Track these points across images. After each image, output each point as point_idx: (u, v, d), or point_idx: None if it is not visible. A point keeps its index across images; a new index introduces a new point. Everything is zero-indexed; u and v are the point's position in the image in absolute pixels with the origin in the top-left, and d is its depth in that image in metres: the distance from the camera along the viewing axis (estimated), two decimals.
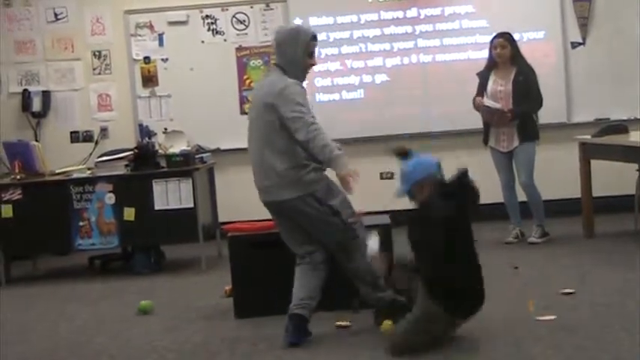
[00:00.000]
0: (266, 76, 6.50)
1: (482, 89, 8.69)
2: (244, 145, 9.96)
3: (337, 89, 10.32)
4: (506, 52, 8.54)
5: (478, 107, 8.66)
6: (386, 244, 6.85)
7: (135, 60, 10.36)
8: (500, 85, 8.55)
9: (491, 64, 8.70)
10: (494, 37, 8.71)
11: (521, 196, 8.91)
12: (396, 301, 6.15)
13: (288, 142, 6.01)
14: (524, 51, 9.59)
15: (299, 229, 6.19)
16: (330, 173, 6.22)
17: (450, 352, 5.47)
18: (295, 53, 6.09)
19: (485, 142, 8.81)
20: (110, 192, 8.80)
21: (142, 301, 7.26)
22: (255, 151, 6.29)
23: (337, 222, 6.17)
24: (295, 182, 6.06)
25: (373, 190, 9.90)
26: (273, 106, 5.96)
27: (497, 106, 8.46)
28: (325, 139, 5.97)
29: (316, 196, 6.12)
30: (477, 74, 8.82)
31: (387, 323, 6.02)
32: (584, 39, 10.09)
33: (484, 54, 8.85)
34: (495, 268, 7.08)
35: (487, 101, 8.52)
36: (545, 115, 9.64)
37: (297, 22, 10.15)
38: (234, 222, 7.54)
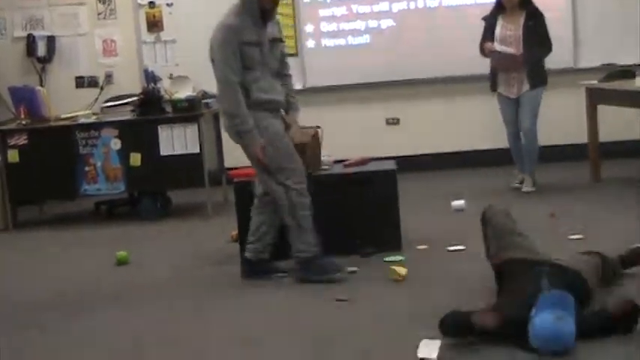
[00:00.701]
0: None
1: (489, 34, 8.57)
2: None
3: (343, 34, 10.27)
4: None
5: (488, 53, 8.55)
6: (390, 191, 6.91)
7: (140, 5, 10.32)
8: (509, 30, 8.44)
9: (499, 9, 8.57)
10: None
11: None
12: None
13: None
14: None
15: None
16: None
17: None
18: None
19: (494, 88, 8.69)
20: (116, 137, 8.81)
21: (120, 252, 7.26)
22: None
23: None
24: None
25: (379, 136, 9.93)
26: (211, 50, 6.19)
27: (510, 51, 8.37)
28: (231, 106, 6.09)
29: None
30: (483, 19, 8.72)
31: (394, 269, 6.05)
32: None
33: None
34: None
35: (498, 47, 8.42)
36: (552, 61, 9.58)
37: None
38: (240, 168, 7.53)
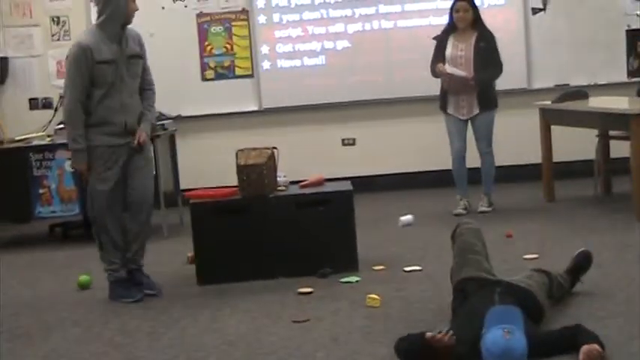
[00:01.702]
0: None
1: (440, 54, 8.54)
2: (206, 111, 10.08)
3: (298, 55, 10.30)
4: (468, 16, 8.38)
5: (440, 74, 8.53)
6: (347, 212, 6.93)
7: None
8: (460, 50, 8.42)
9: (450, 28, 8.56)
10: (456, 1, 8.50)
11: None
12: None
13: None
14: (485, 16, 9.63)
15: None
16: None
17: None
18: None
19: (444, 108, 8.62)
20: (70, 159, 8.76)
21: (82, 275, 7.22)
22: None
23: None
24: None
25: (335, 156, 9.96)
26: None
27: (462, 74, 8.34)
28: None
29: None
30: (434, 38, 8.68)
31: (372, 297, 6.04)
32: (544, 5, 10.12)
33: (446, 20, 8.74)
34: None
35: (450, 69, 8.39)
36: (506, 81, 9.68)
37: None
38: (196, 189, 7.53)
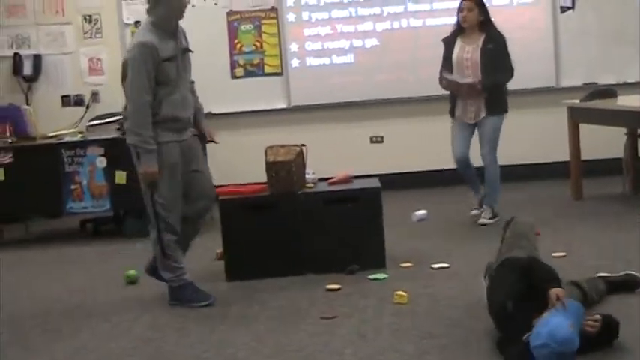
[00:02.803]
0: None
1: (447, 59, 8.19)
2: (235, 109, 10.08)
3: (327, 53, 10.30)
4: (472, 16, 8.01)
5: (446, 85, 8.22)
6: (375, 209, 6.92)
7: (126, 24, 10.32)
8: (467, 53, 8.09)
9: (458, 30, 8.22)
10: (462, 0, 8.15)
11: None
12: None
13: None
14: (513, 15, 9.67)
15: None
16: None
17: None
18: None
19: (452, 113, 8.31)
20: (101, 155, 8.81)
21: (128, 270, 7.21)
22: None
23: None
24: None
25: (363, 154, 9.94)
26: (124, 64, 6.18)
27: (467, 80, 8.01)
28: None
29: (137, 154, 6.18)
30: (443, 40, 8.34)
31: (400, 294, 6.03)
32: (573, 3, 10.07)
33: None
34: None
35: (453, 77, 8.09)
36: (534, 80, 9.70)
37: None
38: (226, 185, 7.53)
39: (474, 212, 8.35)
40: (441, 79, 8.18)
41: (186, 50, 6.31)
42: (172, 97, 6.08)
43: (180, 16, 6.21)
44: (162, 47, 5.99)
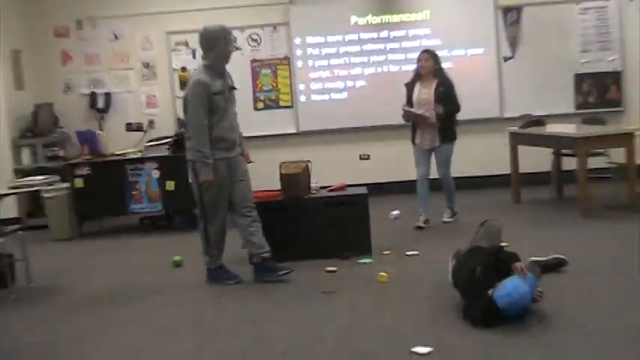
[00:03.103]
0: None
1: (409, 98, 8.04)
2: (257, 133, 10.07)
3: (327, 91, 10.30)
4: (429, 64, 7.93)
5: (405, 116, 8.03)
6: (363, 210, 6.92)
7: (174, 69, 10.33)
8: (424, 94, 7.94)
9: (417, 77, 8.08)
10: (421, 53, 8.10)
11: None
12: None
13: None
14: (468, 63, 9.69)
15: None
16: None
17: None
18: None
19: (412, 140, 8.16)
20: (156, 169, 8.86)
21: (175, 256, 7.24)
22: None
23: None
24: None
25: (354, 168, 9.95)
26: (184, 97, 6.16)
27: (420, 112, 7.87)
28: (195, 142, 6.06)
29: (194, 167, 6.12)
30: (405, 85, 8.20)
31: (382, 274, 6.04)
32: (513, 54, 10.08)
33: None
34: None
35: (410, 108, 7.93)
36: (484, 112, 9.75)
37: (297, 41, 10.15)
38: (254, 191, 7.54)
39: (420, 224, 7.98)
40: (403, 114, 8.04)
41: (232, 88, 6.32)
42: (222, 123, 6.08)
43: (227, 61, 6.24)
44: (213, 84, 6.01)
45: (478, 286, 4.87)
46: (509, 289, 4.72)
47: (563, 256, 5.90)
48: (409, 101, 8.01)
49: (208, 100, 5.99)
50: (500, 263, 5.03)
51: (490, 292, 4.76)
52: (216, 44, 6.09)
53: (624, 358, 4.07)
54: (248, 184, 6.43)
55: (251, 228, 6.30)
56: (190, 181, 6.34)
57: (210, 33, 6.13)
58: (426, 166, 8.07)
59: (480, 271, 4.98)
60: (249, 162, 6.58)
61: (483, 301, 4.75)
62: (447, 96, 7.89)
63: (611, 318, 4.75)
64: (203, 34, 6.16)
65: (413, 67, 8.33)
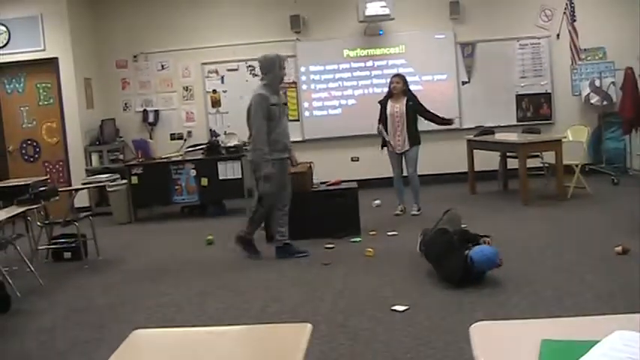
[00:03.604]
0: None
1: (382, 114, 7.98)
2: None
3: (325, 108, 10.30)
4: (400, 86, 7.84)
5: (380, 132, 7.98)
6: (354, 200, 6.95)
7: (207, 92, 10.35)
8: (396, 108, 7.86)
9: (389, 95, 8.00)
10: (392, 77, 8.05)
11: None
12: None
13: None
14: (434, 86, 9.71)
15: None
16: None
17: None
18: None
19: (382, 147, 8.04)
20: (193, 169, 8.86)
21: (208, 236, 7.27)
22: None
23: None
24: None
25: (346, 168, 9.97)
26: (249, 108, 6.05)
27: (387, 138, 7.84)
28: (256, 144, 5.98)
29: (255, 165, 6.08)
30: (379, 102, 8.14)
31: (369, 250, 6.07)
32: (469, 79, 10.12)
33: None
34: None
35: (384, 134, 7.89)
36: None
37: (302, 69, 10.18)
38: None
39: (397, 212, 8.00)
40: (378, 129, 7.99)
41: (284, 104, 6.30)
42: (277, 129, 6.04)
43: (281, 81, 6.25)
44: (270, 97, 5.99)
45: (456, 250, 4.95)
46: (482, 248, 4.86)
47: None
48: (383, 114, 7.96)
49: (267, 110, 5.94)
50: (468, 240, 5.12)
51: (466, 252, 4.85)
52: (273, 68, 6.06)
53: (552, 312, 4.14)
54: (290, 185, 6.33)
55: (281, 220, 6.27)
56: (254, 177, 6.23)
57: (268, 59, 6.12)
58: (399, 167, 8.02)
59: (457, 239, 5.07)
60: (295, 165, 6.49)
61: (461, 259, 4.82)
62: (419, 107, 7.85)
63: (543, 281, 4.82)
64: (263, 59, 6.15)
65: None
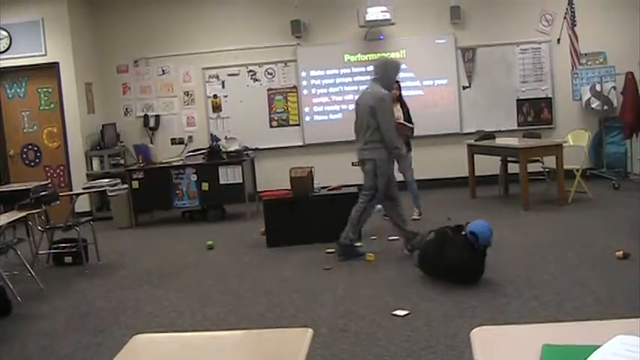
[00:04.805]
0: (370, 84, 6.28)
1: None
2: (272, 145, 10.10)
3: (327, 113, 10.31)
4: (397, 92, 7.82)
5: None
6: (353, 205, 6.94)
7: (208, 96, 10.36)
8: (398, 112, 7.76)
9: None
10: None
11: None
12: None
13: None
14: (436, 90, 9.70)
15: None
16: None
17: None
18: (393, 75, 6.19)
19: None
20: (194, 173, 8.85)
21: (208, 241, 7.27)
22: (359, 127, 6.23)
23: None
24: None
25: (347, 173, 9.94)
26: (373, 107, 5.95)
27: (411, 125, 7.81)
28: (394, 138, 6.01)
29: (377, 164, 6.06)
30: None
31: (370, 255, 6.06)
32: (469, 84, 10.13)
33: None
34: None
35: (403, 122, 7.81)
36: (447, 128, 9.77)
37: (303, 74, 10.19)
38: (266, 190, 7.59)
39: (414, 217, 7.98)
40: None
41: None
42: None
43: (392, 86, 6.35)
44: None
45: (452, 236, 5.13)
46: (474, 223, 5.06)
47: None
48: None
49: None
50: (458, 228, 5.29)
51: (462, 233, 5.08)
52: (391, 72, 6.16)
53: (553, 317, 4.14)
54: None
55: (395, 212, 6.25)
56: (372, 175, 6.19)
57: (388, 63, 6.31)
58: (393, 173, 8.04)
59: (449, 229, 5.27)
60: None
61: (460, 241, 5.04)
62: (408, 114, 7.91)
63: (544, 286, 4.82)
64: (383, 63, 6.33)
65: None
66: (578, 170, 8.21)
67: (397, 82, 8.12)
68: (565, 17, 9.49)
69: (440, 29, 10.06)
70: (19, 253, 5.94)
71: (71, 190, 9.10)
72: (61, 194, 7.12)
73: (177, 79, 10.39)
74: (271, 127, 10.33)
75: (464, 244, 4.92)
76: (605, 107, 9.66)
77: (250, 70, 10.22)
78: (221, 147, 9.10)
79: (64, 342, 4.46)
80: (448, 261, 5.01)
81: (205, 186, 8.81)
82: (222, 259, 6.61)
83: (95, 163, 9.74)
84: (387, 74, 6.10)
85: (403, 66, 10.05)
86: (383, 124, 5.93)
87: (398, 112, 7.97)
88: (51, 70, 9.56)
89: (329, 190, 7.24)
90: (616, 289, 4.62)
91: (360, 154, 6.19)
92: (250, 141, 9.77)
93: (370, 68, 10.19)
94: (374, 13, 9.61)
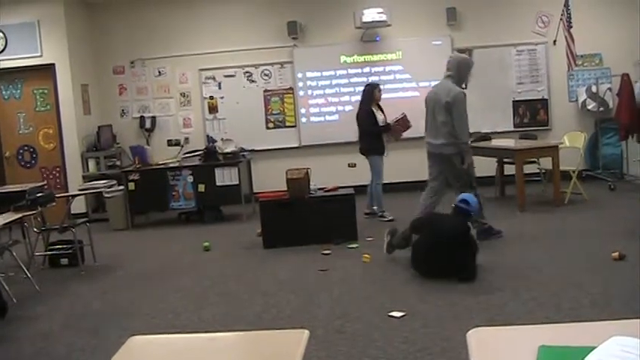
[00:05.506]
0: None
1: (374, 120, 8.18)
2: (268, 147, 10.10)
3: (323, 114, 10.32)
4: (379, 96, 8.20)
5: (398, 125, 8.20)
6: (351, 206, 6.95)
7: (204, 98, 10.35)
8: (380, 117, 8.15)
9: (370, 103, 8.23)
10: (377, 86, 8.30)
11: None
12: None
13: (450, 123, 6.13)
14: None
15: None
16: None
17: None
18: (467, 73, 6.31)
19: (382, 152, 8.24)
20: (190, 174, 8.84)
21: (205, 242, 7.26)
22: (431, 121, 6.36)
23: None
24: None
25: (343, 174, 9.95)
26: (450, 103, 6.11)
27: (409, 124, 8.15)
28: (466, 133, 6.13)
29: (451, 160, 6.22)
30: (367, 111, 8.25)
31: (366, 256, 6.07)
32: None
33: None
34: None
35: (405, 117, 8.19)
36: None
37: (299, 75, 10.19)
38: (263, 192, 7.59)
39: (392, 217, 8.02)
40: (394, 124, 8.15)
41: None
42: None
43: (465, 80, 6.38)
44: None
45: (441, 214, 5.63)
46: (460, 196, 5.50)
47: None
48: (375, 122, 8.13)
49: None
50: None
51: (452, 205, 5.50)
52: (463, 69, 6.28)
53: (549, 318, 4.14)
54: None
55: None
56: (457, 167, 6.30)
57: (463, 61, 6.39)
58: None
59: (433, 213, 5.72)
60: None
61: (454, 213, 5.41)
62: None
63: (540, 287, 4.83)
64: (458, 60, 6.39)
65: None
66: (574, 171, 8.22)
67: (378, 85, 8.25)
68: (561, 19, 9.51)
69: (436, 31, 10.07)
70: (14, 254, 5.94)
71: (67, 192, 9.09)
72: (57, 196, 7.11)
73: (174, 80, 10.38)
74: (267, 128, 10.32)
75: (455, 214, 5.17)
76: (601, 109, 9.68)
77: (246, 72, 10.23)
78: (217, 148, 9.09)
79: (60, 343, 4.45)
80: (448, 233, 5.26)
81: (202, 187, 8.79)
82: (219, 260, 6.60)
83: (91, 164, 9.72)
84: (459, 71, 6.27)
85: (399, 67, 10.15)
86: (457, 119, 6.12)
87: (379, 116, 8.10)
88: (47, 71, 9.55)
89: (325, 191, 7.24)
90: (612, 290, 4.63)
91: (437, 148, 6.31)
92: (247, 142, 9.76)
93: (367, 70, 10.26)
94: (370, 15, 9.62)
